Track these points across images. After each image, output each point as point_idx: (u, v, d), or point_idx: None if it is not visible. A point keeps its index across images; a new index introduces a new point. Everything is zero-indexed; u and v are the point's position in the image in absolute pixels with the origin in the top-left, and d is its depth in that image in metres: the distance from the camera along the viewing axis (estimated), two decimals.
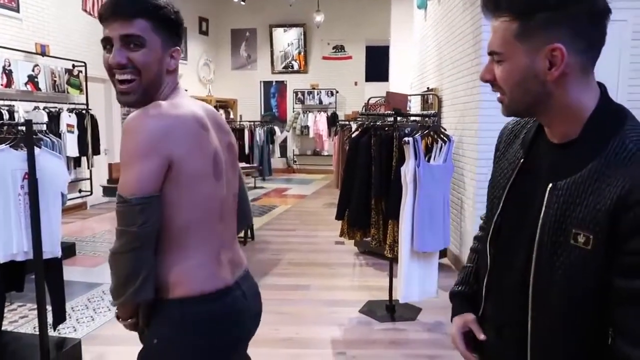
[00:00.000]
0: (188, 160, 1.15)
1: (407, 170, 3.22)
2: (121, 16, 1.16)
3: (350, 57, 13.16)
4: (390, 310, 3.65)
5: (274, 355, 3.00)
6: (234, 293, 1.28)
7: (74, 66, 7.32)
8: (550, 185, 0.89)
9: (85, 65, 7.43)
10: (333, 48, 13.19)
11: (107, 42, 1.19)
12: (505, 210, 1.01)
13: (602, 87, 0.90)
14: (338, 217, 3.87)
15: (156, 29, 1.19)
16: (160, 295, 1.20)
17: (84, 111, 7.21)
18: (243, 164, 8.58)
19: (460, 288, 1.21)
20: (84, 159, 7.22)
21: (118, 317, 1.29)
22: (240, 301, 1.29)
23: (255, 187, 10.12)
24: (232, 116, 12.04)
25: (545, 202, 0.90)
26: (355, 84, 13.05)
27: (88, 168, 7.36)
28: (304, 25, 13.04)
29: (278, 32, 13.28)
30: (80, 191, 7.54)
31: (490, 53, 0.91)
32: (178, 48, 1.27)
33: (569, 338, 0.89)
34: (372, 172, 3.59)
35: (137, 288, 1.13)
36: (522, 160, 0.99)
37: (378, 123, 3.82)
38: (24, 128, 2.52)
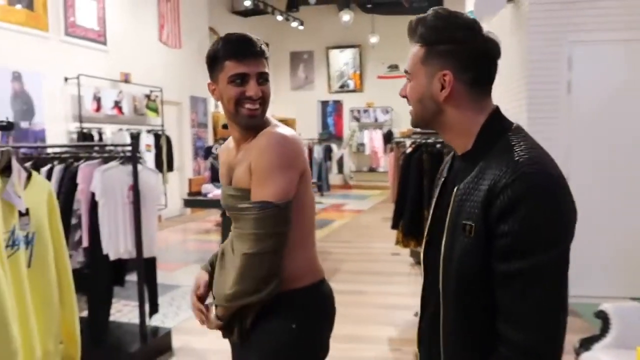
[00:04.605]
0: (307, 174, 1.42)
1: None
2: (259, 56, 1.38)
3: (404, 76, 13.42)
4: None
5: (332, 348, 3.33)
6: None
7: (151, 91, 8.10)
8: (455, 188, 1.03)
9: (161, 90, 8.20)
10: (388, 67, 13.55)
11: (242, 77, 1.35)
12: (433, 223, 1.14)
13: (496, 109, 1.06)
14: (393, 227, 4.19)
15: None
16: (291, 286, 1.39)
17: (160, 132, 7.97)
18: None
19: None
20: (159, 175, 7.95)
21: (201, 322, 1.50)
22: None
23: None
24: None
25: (450, 204, 1.03)
26: None
27: (163, 184, 8.08)
28: (360, 46, 13.51)
29: (334, 53, 13.83)
30: None
31: (405, 72, 1.11)
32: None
33: (465, 319, 1.00)
34: (423, 184, 3.89)
35: (277, 283, 1.32)
36: (442, 179, 1.14)
37: (430, 140, 4.13)
38: (129, 148, 3.04)
